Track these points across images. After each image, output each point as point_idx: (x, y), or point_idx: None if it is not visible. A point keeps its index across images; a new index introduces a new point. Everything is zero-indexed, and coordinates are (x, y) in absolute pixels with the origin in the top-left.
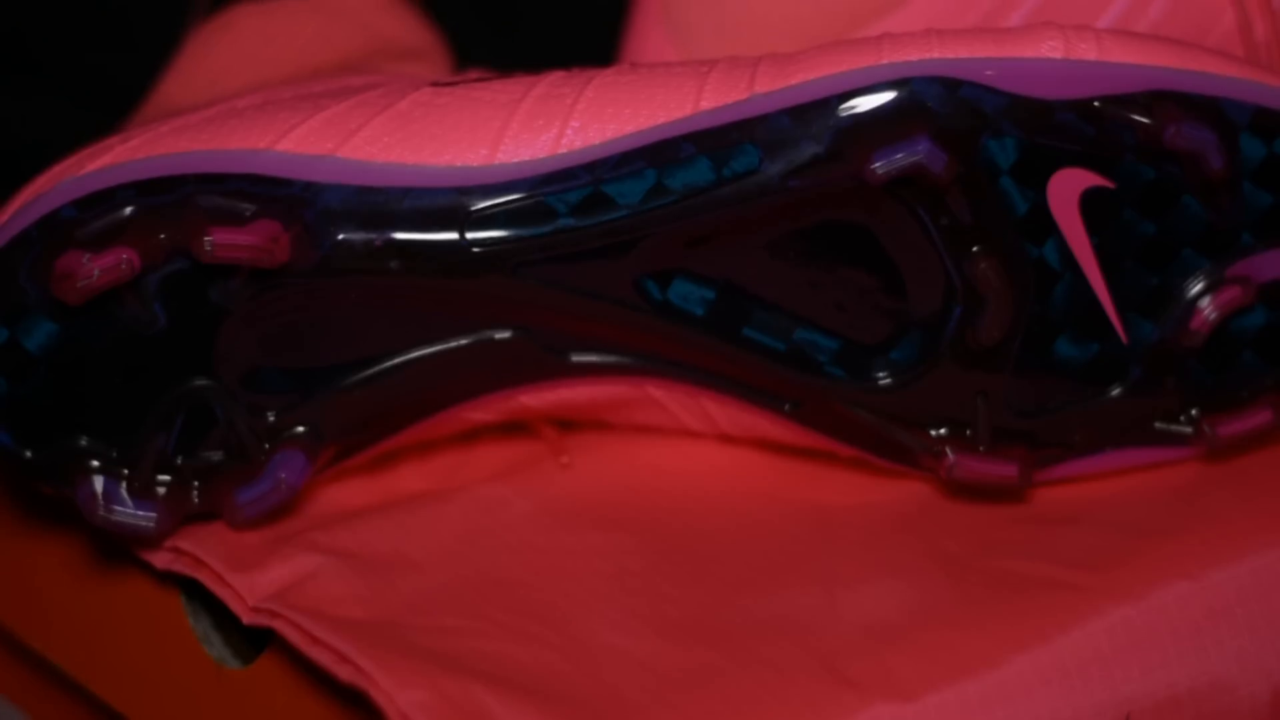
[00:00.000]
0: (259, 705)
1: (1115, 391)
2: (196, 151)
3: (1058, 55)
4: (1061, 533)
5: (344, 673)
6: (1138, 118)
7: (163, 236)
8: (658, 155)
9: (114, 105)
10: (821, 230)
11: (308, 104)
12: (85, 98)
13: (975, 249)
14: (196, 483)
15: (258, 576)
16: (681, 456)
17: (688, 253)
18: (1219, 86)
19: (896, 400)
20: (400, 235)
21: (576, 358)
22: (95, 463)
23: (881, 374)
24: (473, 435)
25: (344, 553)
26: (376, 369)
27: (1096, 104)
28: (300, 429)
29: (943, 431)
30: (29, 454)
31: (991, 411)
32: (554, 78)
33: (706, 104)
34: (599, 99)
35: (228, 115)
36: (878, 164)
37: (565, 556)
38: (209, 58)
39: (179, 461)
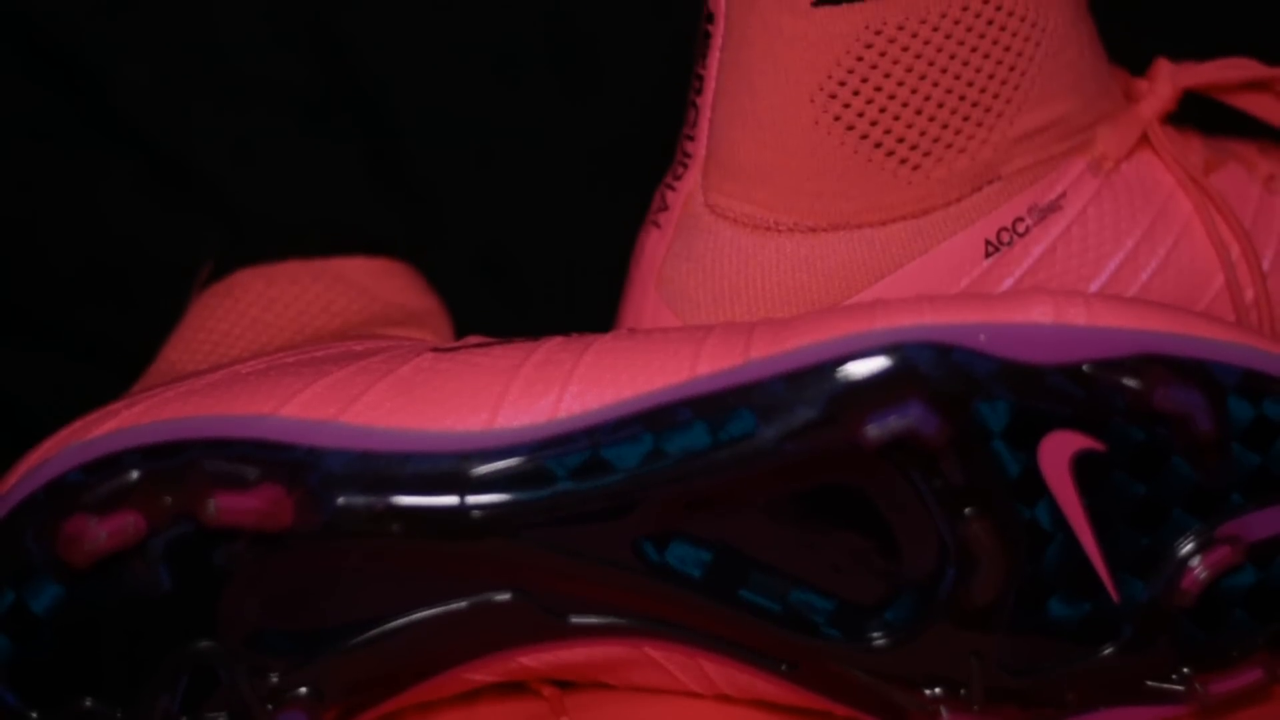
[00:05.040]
0: None
1: (1107, 650)
2: (201, 416)
3: (1048, 320)
4: None
5: None
6: (1127, 382)
7: (168, 501)
8: (655, 420)
9: (116, 366)
10: (817, 493)
11: (311, 369)
12: (87, 359)
13: (968, 511)
14: None
15: None
16: (680, 717)
17: (685, 515)
18: (1207, 350)
19: (891, 660)
20: (402, 500)
21: (575, 619)
22: None
23: (876, 634)
24: (473, 695)
25: None
26: (378, 631)
27: (1086, 368)
28: (303, 690)
29: (937, 691)
30: (35, 715)
31: (985, 671)
32: (553, 344)
33: (703, 370)
34: (597, 365)
35: (232, 380)
36: (871, 428)
37: None
38: (212, 322)
39: None
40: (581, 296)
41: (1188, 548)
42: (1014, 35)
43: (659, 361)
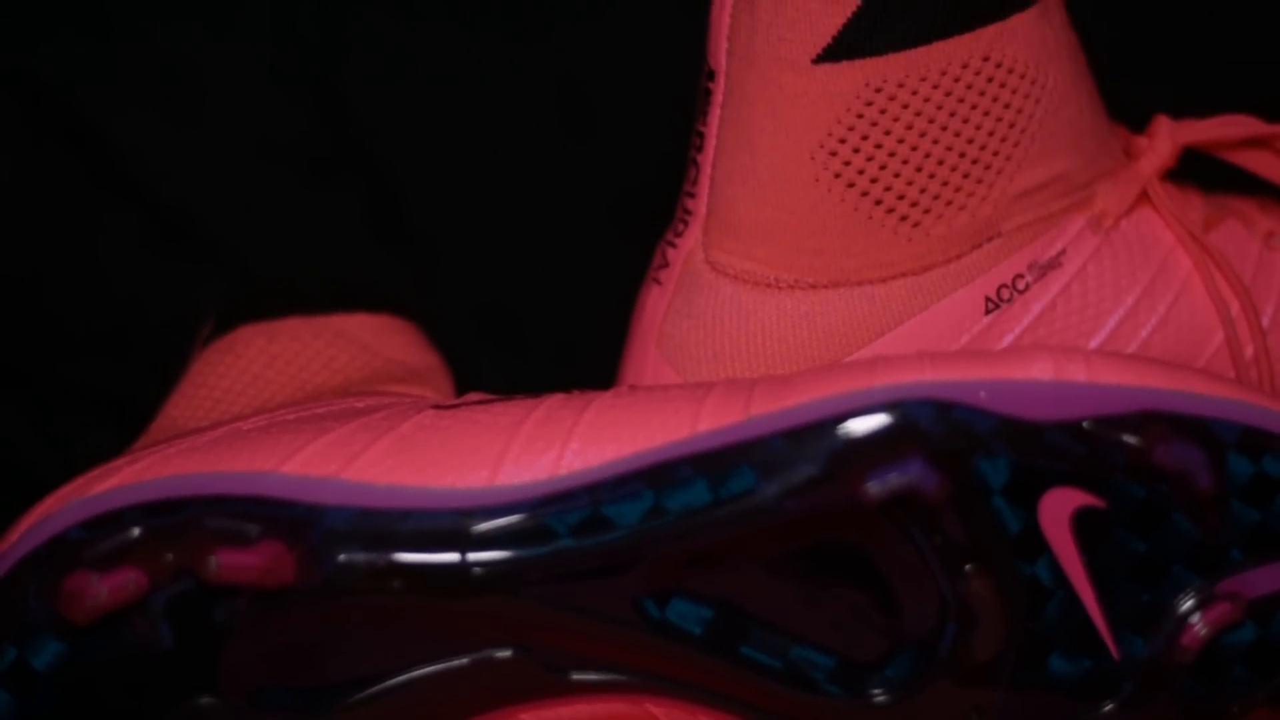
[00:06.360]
0: None
1: (1108, 707)
2: (203, 473)
3: (1047, 377)
4: None
5: None
6: (1127, 439)
7: (170, 557)
8: (655, 477)
9: (118, 423)
10: (817, 550)
11: (312, 426)
12: (88, 415)
13: (968, 567)
14: None
15: None
16: None
17: (686, 572)
18: (1207, 407)
19: (892, 717)
20: (402, 556)
21: (576, 676)
22: None
23: (877, 691)
24: None
25: None
26: (379, 688)
27: (1086, 425)
28: None
29: None
30: None
31: None
32: (554, 401)
33: (703, 426)
34: (598, 422)
35: (233, 437)
36: (872, 485)
37: None
38: (214, 378)
39: None
40: (582, 353)
41: (1188, 604)
42: (1014, 93)
43: (660, 419)
